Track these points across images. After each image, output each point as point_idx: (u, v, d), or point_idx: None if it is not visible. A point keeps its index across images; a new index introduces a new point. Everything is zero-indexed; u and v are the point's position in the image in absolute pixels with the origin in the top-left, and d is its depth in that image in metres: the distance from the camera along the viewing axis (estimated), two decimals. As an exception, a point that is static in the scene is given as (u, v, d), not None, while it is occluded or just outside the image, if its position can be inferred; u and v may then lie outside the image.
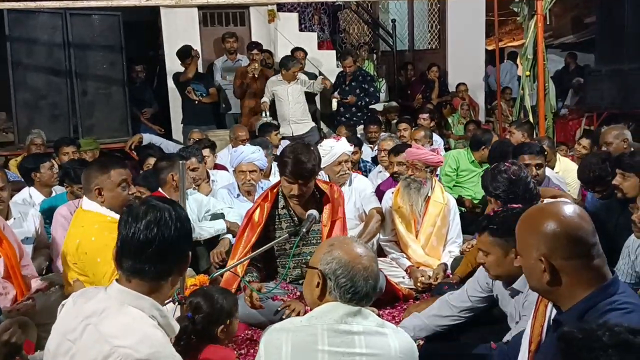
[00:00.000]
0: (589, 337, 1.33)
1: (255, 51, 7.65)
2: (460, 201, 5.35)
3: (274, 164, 5.39)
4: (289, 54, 7.99)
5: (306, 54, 8.24)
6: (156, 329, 1.79)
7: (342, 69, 8.26)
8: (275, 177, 5.25)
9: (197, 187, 4.95)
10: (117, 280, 1.87)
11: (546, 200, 3.34)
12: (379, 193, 4.70)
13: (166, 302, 2.69)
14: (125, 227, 1.85)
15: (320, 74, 8.67)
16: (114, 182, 3.28)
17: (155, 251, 1.83)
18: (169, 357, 1.74)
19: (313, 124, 7.77)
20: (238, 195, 4.75)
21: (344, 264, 1.95)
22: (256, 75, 7.56)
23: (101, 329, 1.75)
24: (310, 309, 2.03)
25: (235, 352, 3.08)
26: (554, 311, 1.86)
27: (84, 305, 1.84)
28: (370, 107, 8.20)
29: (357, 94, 7.93)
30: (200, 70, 8.08)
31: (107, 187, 3.28)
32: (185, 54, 7.61)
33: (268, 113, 7.46)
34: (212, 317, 2.54)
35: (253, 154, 4.66)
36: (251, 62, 7.58)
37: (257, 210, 3.65)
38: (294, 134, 7.34)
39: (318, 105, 8.59)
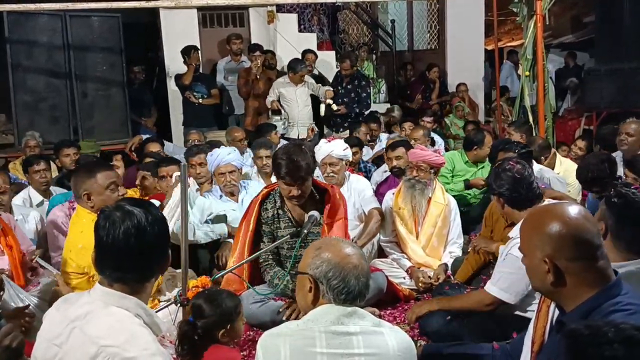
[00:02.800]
0: (595, 333, 1.36)
1: (257, 53, 7.65)
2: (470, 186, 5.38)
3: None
4: (293, 55, 8.01)
5: (316, 56, 8.23)
6: (142, 327, 1.78)
7: (339, 70, 8.26)
8: (274, 176, 5.25)
9: (200, 187, 4.97)
10: (99, 282, 1.86)
11: (547, 201, 3.34)
12: (377, 195, 4.71)
13: (168, 303, 2.71)
14: (103, 232, 1.82)
15: (320, 74, 8.68)
16: (101, 185, 3.31)
17: (136, 258, 1.82)
18: (157, 355, 1.72)
19: (317, 130, 7.79)
20: (221, 196, 4.76)
21: (334, 265, 1.95)
22: (258, 77, 7.57)
23: (87, 330, 1.74)
24: (305, 314, 2.02)
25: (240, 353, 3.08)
26: (557, 312, 1.87)
27: (68, 310, 1.84)
28: (368, 110, 8.19)
29: (351, 98, 7.92)
30: (201, 70, 8.07)
31: (96, 191, 3.31)
32: (186, 53, 7.62)
33: (283, 111, 7.47)
34: (215, 320, 2.53)
35: (229, 155, 4.68)
36: (253, 63, 7.58)
37: (254, 209, 3.68)
38: (300, 137, 7.37)
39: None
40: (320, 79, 8.16)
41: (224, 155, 4.64)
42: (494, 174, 3.31)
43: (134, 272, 1.84)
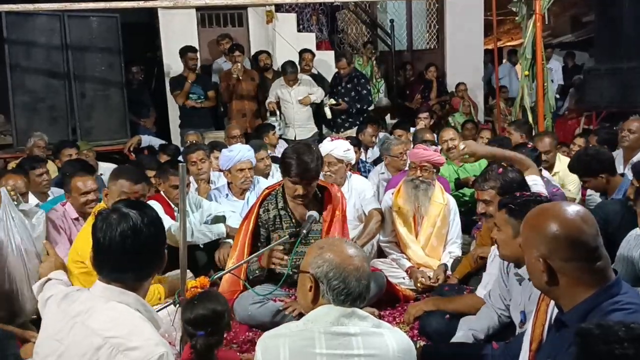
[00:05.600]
0: (606, 332, 1.38)
1: (236, 53, 7.61)
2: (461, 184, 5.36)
3: (274, 165, 5.39)
4: (292, 55, 8.00)
5: (314, 55, 8.19)
6: (143, 320, 1.82)
7: (337, 70, 8.25)
8: (273, 178, 5.25)
9: (198, 184, 4.98)
10: (99, 280, 1.90)
11: None
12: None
13: (167, 304, 2.70)
14: (100, 234, 1.86)
15: (319, 74, 8.67)
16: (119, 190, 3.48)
17: (132, 259, 1.86)
18: (160, 345, 1.75)
19: (316, 130, 7.77)
20: (227, 195, 4.76)
21: (335, 265, 1.95)
22: (240, 77, 7.54)
23: (90, 324, 1.78)
24: (305, 313, 2.02)
25: (238, 354, 3.07)
26: (556, 311, 1.86)
27: (69, 307, 1.87)
28: (370, 106, 8.19)
29: (352, 97, 7.91)
30: (199, 71, 8.06)
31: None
32: (183, 56, 7.60)
33: (278, 112, 7.47)
34: (223, 325, 2.50)
35: (249, 151, 4.74)
36: (234, 65, 7.55)
37: (255, 210, 3.67)
38: (297, 138, 7.36)
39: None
40: (319, 79, 8.15)
41: (245, 152, 4.69)
42: (502, 174, 3.24)
43: (130, 272, 1.87)
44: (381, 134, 7.44)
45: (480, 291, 3.07)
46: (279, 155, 5.99)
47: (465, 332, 2.92)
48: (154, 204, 4.05)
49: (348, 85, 7.98)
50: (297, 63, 7.72)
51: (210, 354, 2.45)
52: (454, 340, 2.91)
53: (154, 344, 1.74)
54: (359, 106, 7.94)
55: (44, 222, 3.63)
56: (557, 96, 10.32)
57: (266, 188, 3.81)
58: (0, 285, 3.37)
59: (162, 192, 4.40)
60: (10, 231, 3.38)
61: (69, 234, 3.99)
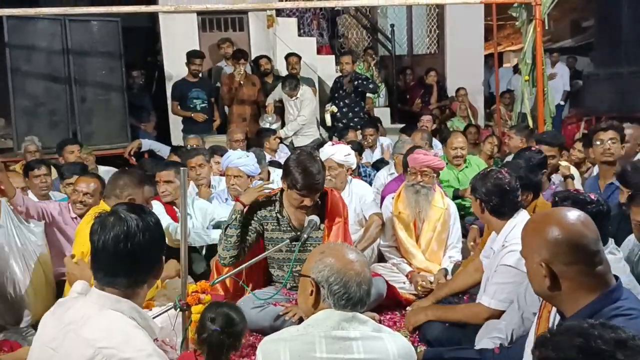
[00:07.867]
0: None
1: (241, 61, 7.63)
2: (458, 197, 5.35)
3: (273, 173, 5.37)
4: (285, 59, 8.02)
5: (300, 58, 8.17)
6: (137, 328, 1.80)
7: (339, 74, 8.24)
8: (273, 183, 5.23)
9: (199, 188, 4.97)
10: (94, 286, 1.89)
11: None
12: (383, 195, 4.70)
13: (168, 308, 2.70)
14: (95, 237, 1.86)
15: (319, 78, 8.68)
16: (145, 197, 3.43)
17: (125, 264, 1.85)
18: (153, 355, 1.74)
19: (317, 137, 7.77)
20: (226, 199, 4.76)
21: (337, 270, 1.95)
22: (242, 82, 7.56)
23: (82, 333, 1.76)
24: (306, 317, 2.03)
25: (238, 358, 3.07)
26: (558, 318, 1.86)
27: (64, 314, 1.85)
28: (375, 91, 8.26)
29: (352, 98, 7.92)
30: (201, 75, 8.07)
31: (139, 200, 3.38)
32: (187, 57, 7.61)
33: (268, 117, 7.49)
34: (242, 329, 2.51)
35: (239, 159, 4.64)
36: (236, 71, 7.59)
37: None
38: (295, 145, 7.37)
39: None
40: (311, 82, 8.17)
41: (234, 159, 4.64)
42: (482, 178, 3.25)
43: (123, 277, 1.86)
44: (382, 138, 7.46)
45: (487, 300, 3.02)
46: (279, 160, 6.02)
47: (489, 340, 2.85)
48: (156, 204, 4.07)
49: (347, 89, 7.99)
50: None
51: (222, 354, 2.44)
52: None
53: (146, 355, 1.73)
54: (362, 104, 7.93)
55: (42, 228, 3.67)
56: (562, 103, 10.23)
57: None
58: (4, 290, 3.38)
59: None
60: (12, 237, 3.43)
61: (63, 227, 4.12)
